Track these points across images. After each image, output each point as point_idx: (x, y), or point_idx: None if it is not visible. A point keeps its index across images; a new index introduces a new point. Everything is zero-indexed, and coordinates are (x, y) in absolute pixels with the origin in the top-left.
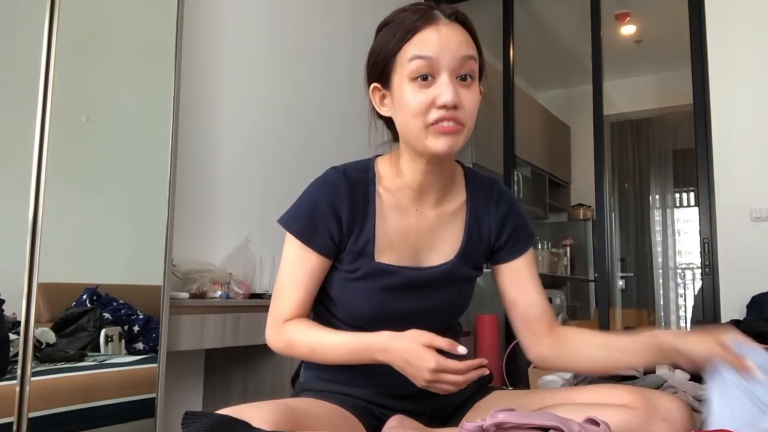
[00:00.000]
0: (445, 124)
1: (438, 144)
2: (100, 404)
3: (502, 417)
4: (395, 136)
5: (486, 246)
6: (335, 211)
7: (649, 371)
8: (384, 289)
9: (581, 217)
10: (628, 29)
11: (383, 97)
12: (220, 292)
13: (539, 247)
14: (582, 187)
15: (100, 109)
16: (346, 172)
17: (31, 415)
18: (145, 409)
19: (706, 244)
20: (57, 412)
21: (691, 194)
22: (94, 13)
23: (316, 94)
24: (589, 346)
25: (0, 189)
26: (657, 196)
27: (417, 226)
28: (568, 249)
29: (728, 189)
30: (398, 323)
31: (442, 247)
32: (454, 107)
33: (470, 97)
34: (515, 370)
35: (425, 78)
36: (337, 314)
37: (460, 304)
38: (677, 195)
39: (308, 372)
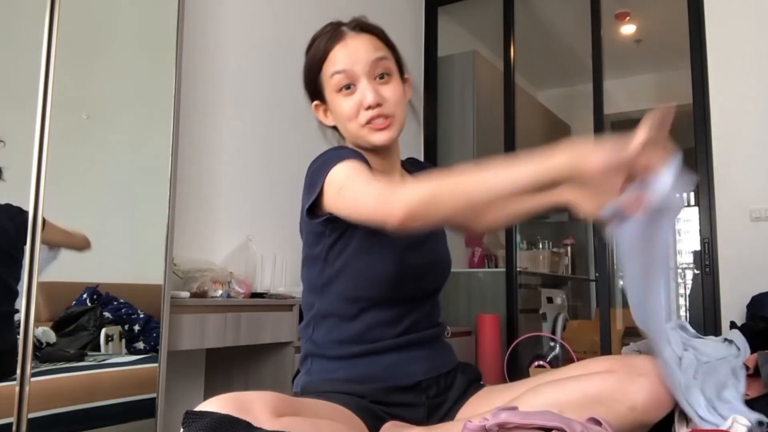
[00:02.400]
0: (376, 122)
1: (376, 138)
2: (101, 404)
3: (504, 417)
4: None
5: None
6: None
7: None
8: (402, 247)
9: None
10: (628, 28)
11: (325, 110)
12: (221, 292)
13: (540, 246)
14: None
15: (101, 106)
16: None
17: (31, 415)
18: (145, 409)
19: (706, 244)
20: (57, 412)
21: (691, 194)
22: (94, 10)
23: None
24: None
25: (0, 187)
26: None
27: None
28: (569, 248)
29: (728, 189)
30: (413, 280)
31: None
32: (378, 105)
33: (390, 91)
34: (516, 369)
35: (348, 87)
36: (352, 293)
37: (448, 259)
38: (677, 194)
39: (309, 375)
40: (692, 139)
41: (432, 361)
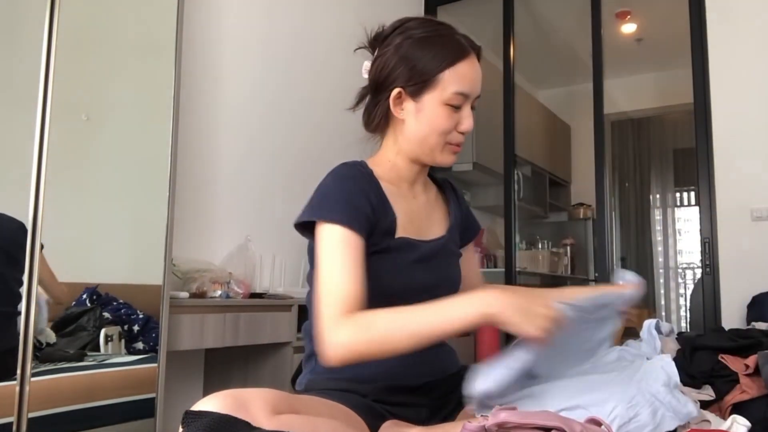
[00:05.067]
0: (458, 142)
1: (447, 159)
2: (100, 404)
3: (504, 416)
4: (374, 130)
5: (459, 226)
6: (366, 196)
7: None
8: (410, 262)
9: (581, 216)
10: (628, 27)
11: (402, 101)
12: (220, 292)
13: (539, 246)
14: (582, 186)
15: (101, 107)
16: (355, 168)
17: (31, 415)
18: (145, 409)
19: (707, 244)
20: (57, 412)
21: (692, 193)
22: (94, 11)
23: (317, 93)
24: None
25: (0, 187)
26: (657, 196)
27: (418, 207)
28: (568, 248)
29: (729, 188)
30: (421, 295)
31: (438, 224)
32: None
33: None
34: None
35: (457, 107)
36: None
37: (457, 277)
38: (678, 194)
39: (312, 374)
40: (693, 138)
41: (438, 363)
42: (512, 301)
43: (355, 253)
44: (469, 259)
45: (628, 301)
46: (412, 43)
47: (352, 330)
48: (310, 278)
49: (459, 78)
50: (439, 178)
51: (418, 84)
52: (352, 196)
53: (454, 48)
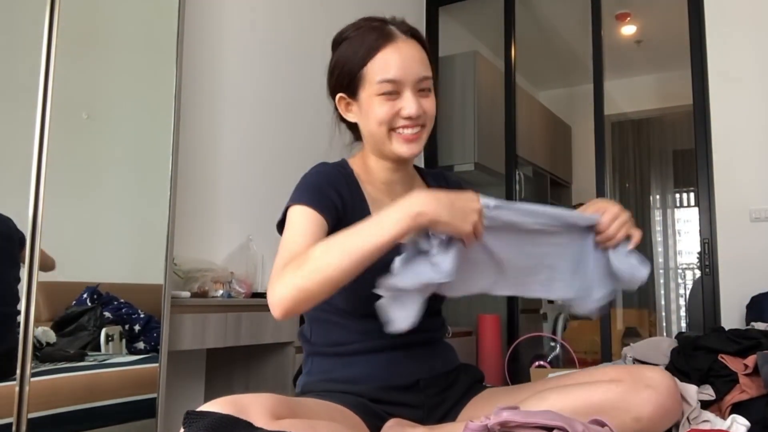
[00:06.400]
0: (408, 131)
1: (402, 149)
2: (101, 404)
3: (506, 416)
4: (356, 136)
5: None
6: (336, 189)
7: None
8: (384, 266)
9: None
10: (628, 29)
11: (348, 104)
12: (221, 291)
13: None
14: (583, 186)
15: (101, 106)
16: (332, 166)
17: (31, 415)
18: (145, 409)
19: (706, 244)
20: (57, 412)
21: (691, 194)
22: (94, 10)
23: (317, 92)
24: None
25: (0, 187)
26: (657, 196)
27: None
28: None
29: (728, 189)
30: None
31: None
32: (417, 117)
33: (429, 104)
34: (517, 369)
35: (391, 93)
36: (342, 305)
37: None
38: (677, 195)
39: (308, 376)
40: (692, 139)
41: (432, 361)
42: (439, 199)
43: (314, 227)
44: None
45: (588, 220)
46: (342, 45)
47: (290, 268)
48: None
49: (381, 66)
50: (434, 172)
51: (350, 85)
52: (321, 186)
53: (370, 39)
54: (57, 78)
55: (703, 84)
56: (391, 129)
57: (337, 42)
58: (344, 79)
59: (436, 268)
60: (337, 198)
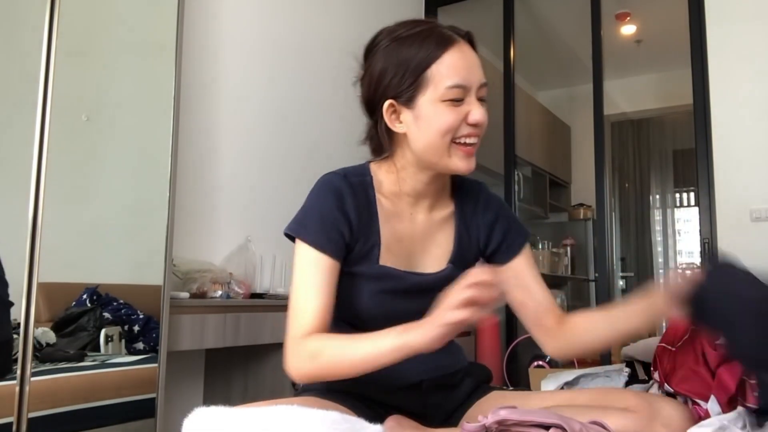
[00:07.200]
0: (471, 140)
1: (462, 164)
2: (100, 404)
3: (504, 414)
4: (379, 150)
5: (476, 251)
6: (345, 214)
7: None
8: (387, 292)
9: (582, 217)
10: (628, 29)
11: (397, 113)
12: (220, 292)
13: (540, 247)
14: (582, 186)
15: (101, 108)
16: (345, 176)
17: (31, 415)
18: (145, 410)
19: (707, 244)
20: (57, 413)
21: (691, 194)
22: (94, 11)
23: (317, 93)
24: (596, 326)
25: (0, 187)
26: (657, 196)
27: (410, 230)
28: (568, 249)
29: (728, 189)
30: (395, 321)
31: (435, 251)
32: (482, 124)
33: (486, 116)
34: (516, 370)
35: (458, 100)
36: (342, 316)
37: None
38: (677, 195)
39: None
40: (692, 139)
41: (435, 362)
42: (433, 331)
43: (324, 276)
44: (523, 277)
45: None
46: (391, 47)
47: (302, 358)
48: None
49: (449, 70)
50: (470, 187)
51: (408, 89)
52: (329, 215)
53: (435, 40)
54: (57, 80)
55: (703, 84)
56: (453, 140)
57: (379, 44)
58: (402, 83)
59: None
60: (344, 225)
